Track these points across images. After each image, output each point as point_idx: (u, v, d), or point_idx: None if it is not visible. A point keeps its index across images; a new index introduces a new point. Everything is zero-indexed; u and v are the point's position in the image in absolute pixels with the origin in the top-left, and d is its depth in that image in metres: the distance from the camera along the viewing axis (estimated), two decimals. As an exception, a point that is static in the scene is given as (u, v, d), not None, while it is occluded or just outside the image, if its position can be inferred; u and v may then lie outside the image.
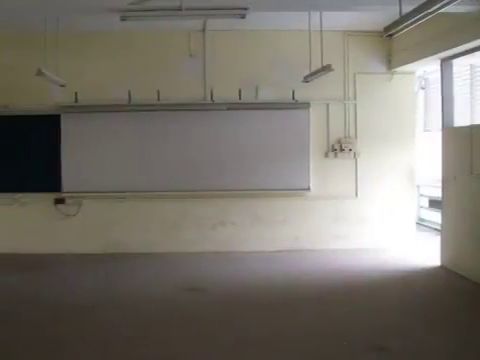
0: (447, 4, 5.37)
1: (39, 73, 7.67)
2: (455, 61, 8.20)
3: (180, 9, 7.46)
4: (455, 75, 8.39)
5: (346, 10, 7.71)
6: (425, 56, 8.30)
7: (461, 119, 8.37)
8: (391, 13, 6.68)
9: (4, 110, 9.20)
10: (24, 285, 7.48)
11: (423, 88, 10.24)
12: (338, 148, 9.37)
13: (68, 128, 9.22)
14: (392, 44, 9.33)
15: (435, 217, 9.65)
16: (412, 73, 9.48)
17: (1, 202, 9.33)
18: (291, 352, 5.06)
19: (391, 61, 9.35)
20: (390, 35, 8.66)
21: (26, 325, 5.79)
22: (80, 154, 9.25)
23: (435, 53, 8.01)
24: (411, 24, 6.03)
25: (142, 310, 6.35)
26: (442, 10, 5.57)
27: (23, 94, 9.16)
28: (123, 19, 7.52)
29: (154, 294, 7.01)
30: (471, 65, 8.56)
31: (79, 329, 5.69)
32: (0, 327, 5.75)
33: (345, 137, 9.40)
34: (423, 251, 9.03)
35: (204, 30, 9.16)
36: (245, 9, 7.63)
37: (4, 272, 8.21)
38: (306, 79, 8.52)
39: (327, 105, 9.38)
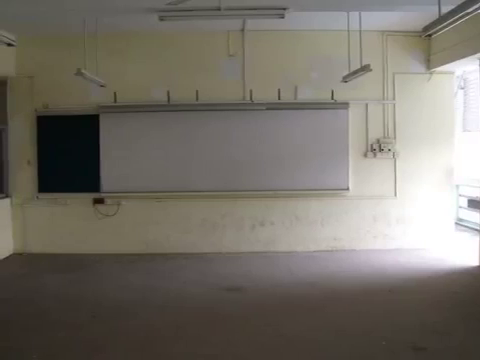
0: (486, 4, 5.35)
1: (78, 73, 7.70)
2: (494, 61, 8.18)
3: (219, 9, 7.49)
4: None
5: (385, 10, 7.73)
6: (464, 56, 8.25)
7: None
8: (430, 13, 6.67)
9: (44, 110, 9.24)
10: (64, 285, 7.51)
11: (462, 88, 10.19)
12: (377, 148, 9.34)
13: (107, 128, 9.23)
14: (431, 44, 9.29)
15: (474, 217, 9.62)
16: (451, 73, 9.42)
17: (42, 203, 9.36)
18: (329, 352, 5.07)
19: (430, 61, 9.30)
20: (429, 35, 8.80)
21: (66, 325, 5.81)
22: (119, 154, 9.24)
23: (474, 53, 7.97)
24: (450, 24, 6.01)
25: (181, 310, 6.36)
26: (481, 10, 5.54)
27: (63, 94, 9.19)
28: (161, 19, 7.54)
29: (193, 294, 7.01)
30: (511, 65, 8.53)
31: (118, 329, 5.71)
32: (40, 327, 5.76)
33: (384, 137, 9.37)
34: (462, 251, 8.98)
35: (243, 30, 9.15)
36: (284, 9, 7.65)
37: (44, 272, 8.24)
38: (345, 79, 8.52)
39: (366, 105, 9.34)
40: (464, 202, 9.75)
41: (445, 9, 5.95)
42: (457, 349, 5.01)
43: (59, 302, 6.68)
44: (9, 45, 8.37)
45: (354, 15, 7.97)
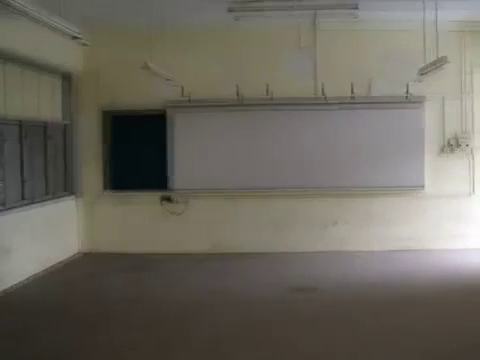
0: None
1: (145, 67, 7.50)
2: None
3: (291, 6, 7.31)
4: None
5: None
6: None
7: None
8: None
9: (110, 106, 9.10)
10: (131, 285, 7.44)
11: None
12: (454, 143, 9.03)
13: (175, 125, 9.05)
14: (511, 35, 8.96)
15: None
16: None
17: (109, 201, 9.24)
18: (404, 355, 4.90)
19: (509, 53, 8.98)
20: None
21: (135, 325, 5.79)
22: (187, 151, 9.07)
23: None
24: None
25: (251, 310, 6.24)
26: None
27: (130, 91, 9.06)
28: (236, 19, 7.36)
29: (263, 294, 6.88)
30: None
31: (187, 329, 5.66)
32: (110, 327, 5.71)
33: (462, 132, 9.05)
34: None
35: (314, 22, 8.88)
36: (355, 6, 7.43)
37: (113, 271, 8.18)
38: (421, 72, 8.20)
39: (442, 99, 9.04)
40: None
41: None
42: None
43: (127, 302, 6.64)
44: (74, 38, 8.19)
45: (430, 5, 7.65)
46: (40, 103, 8.51)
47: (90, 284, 7.48)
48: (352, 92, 8.91)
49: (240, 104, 8.94)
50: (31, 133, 8.19)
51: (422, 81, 8.53)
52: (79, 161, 9.25)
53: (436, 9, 7.53)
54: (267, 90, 8.87)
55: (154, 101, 9.03)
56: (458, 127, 9.08)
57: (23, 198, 7.87)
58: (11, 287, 7.16)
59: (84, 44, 7.04)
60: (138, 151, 9.12)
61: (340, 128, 9.00)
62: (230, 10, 7.88)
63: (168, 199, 9.15)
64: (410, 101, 8.94)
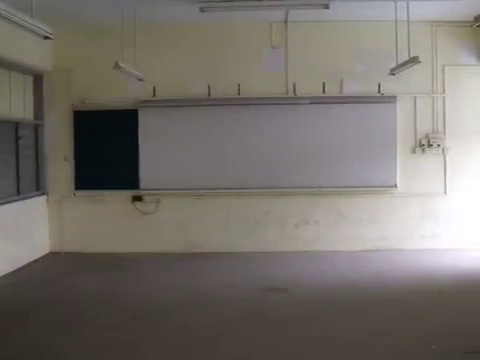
0: None
1: (116, 66, 7.50)
2: None
3: (260, 6, 7.24)
4: None
5: (434, -1, 7.45)
6: (519, 46, 7.92)
7: None
8: None
9: (81, 105, 9.05)
10: (102, 285, 7.40)
11: (516, 80, 9.81)
12: (426, 143, 8.99)
13: (146, 123, 9.01)
14: (483, 34, 8.92)
15: None
16: (504, 64, 9.06)
17: (79, 200, 9.18)
18: (376, 355, 4.86)
19: (482, 52, 8.95)
20: None
21: (104, 325, 5.73)
22: (158, 150, 9.04)
23: None
24: None
25: (221, 311, 6.19)
26: None
27: (100, 89, 9.01)
28: (202, 10, 7.29)
29: (234, 294, 6.84)
30: None
31: (157, 330, 5.60)
32: (80, 327, 5.66)
33: (433, 132, 9.02)
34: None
35: (286, 21, 8.85)
36: (327, 5, 7.36)
37: (82, 271, 8.12)
38: (392, 72, 8.20)
39: (414, 98, 8.99)
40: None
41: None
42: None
43: (97, 302, 6.59)
44: (46, 38, 8.16)
45: (401, 5, 7.62)
46: (11, 102, 8.48)
47: (61, 284, 7.44)
48: (324, 92, 8.89)
49: (211, 103, 8.90)
50: (2, 132, 8.15)
51: (394, 80, 8.55)
52: (50, 160, 9.18)
53: (408, 9, 7.53)
54: (238, 89, 8.85)
55: (126, 100, 8.99)
56: (430, 127, 9.04)
57: (-6, 197, 7.83)
58: (-19, 288, 7.12)
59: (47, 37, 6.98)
60: (109, 150, 9.05)
61: (311, 127, 8.95)
62: (202, 10, 7.85)
63: (139, 199, 9.11)
64: (382, 100, 8.91)
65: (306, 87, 8.89)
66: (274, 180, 8.96)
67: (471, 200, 9.05)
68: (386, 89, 8.90)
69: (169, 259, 8.69)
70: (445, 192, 9.07)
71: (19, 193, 8.57)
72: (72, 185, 9.14)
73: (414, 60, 7.37)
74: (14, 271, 8.00)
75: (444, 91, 9.03)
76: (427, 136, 9.01)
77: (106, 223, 9.13)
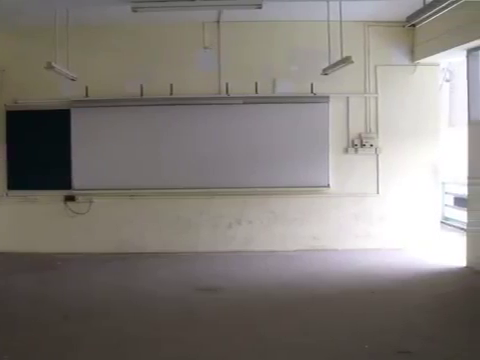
0: (473, -8, 5.10)
1: (49, 66, 7.44)
2: (482, 52, 7.82)
3: (192, 6, 7.21)
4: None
5: (367, -1, 7.46)
6: (450, 47, 7.94)
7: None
8: (414, 2, 6.40)
9: (14, 105, 9.01)
10: (34, 285, 7.33)
11: (448, 81, 9.80)
12: (359, 143, 9.04)
13: (78, 123, 8.98)
14: (415, 35, 8.97)
15: (461, 216, 9.26)
16: (436, 65, 9.10)
17: (11, 200, 9.12)
18: (309, 355, 4.84)
19: (414, 52, 8.99)
20: (413, 25, 8.63)
21: (36, 325, 5.66)
22: (90, 150, 9.01)
23: (461, 44, 7.68)
24: (435, 13, 5.82)
25: (154, 311, 6.17)
26: (468, -2, 5.30)
27: (33, 89, 8.96)
28: (134, 10, 7.27)
29: (166, 294, 6.82)
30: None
31: (89, 329, 5.55)
32: (9, 328, 5.60)
33: (366, 132, 9.06)
34: (448, 251, 8.69)
35: (219, 21, 8.86)
36: (260, 6, 7.34)
37: (14, 271, 8.06)
38: (325, 72, 8.21)
39: (347, 98, 9.04)
40: (450, 200, 9.40)
41: (430, -3, 5.72)
42: (442, 353, 4.78)
43: (29, 302, 6.55)
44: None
45: (334, 5, 7.63)
46: None
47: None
48: (256, 92, 8.89)
49: (144, 103, 8.89)
50: None
51: (327, 80, 8.56)
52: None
53: (340, 9, 7.53)
54: (171, 89, 8.85)
55: (58, 100, 8.96)
56: (362, 127, 9.07)
57: None
58: None
59: None
60: (42, 150, 9.00)
61: (244, 127, 8.96)
62: (134, 10, 7.84)
63: (72, 198, 9.09)
64: (315, 100, 8.93)
65: (239, 87, 8.90)
66: (207, 180, 8.95)
67: (404, 200, 9.10)
68: (319, 89, 8.91)
69: (102, 259, 8.67)
70: (378, 192, 9.11)
71: (-47, 193, 8.55)
72: (5, 185, 9.08)
73: (346, 60, 7.39)
74: None
75: (377, 91, 9.08)
76: (360, 136, 9.05)
77: (39, 223, 9.10)
